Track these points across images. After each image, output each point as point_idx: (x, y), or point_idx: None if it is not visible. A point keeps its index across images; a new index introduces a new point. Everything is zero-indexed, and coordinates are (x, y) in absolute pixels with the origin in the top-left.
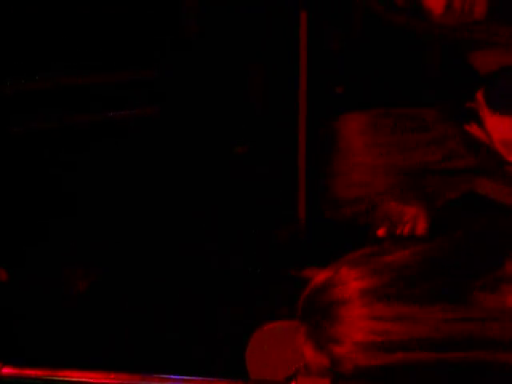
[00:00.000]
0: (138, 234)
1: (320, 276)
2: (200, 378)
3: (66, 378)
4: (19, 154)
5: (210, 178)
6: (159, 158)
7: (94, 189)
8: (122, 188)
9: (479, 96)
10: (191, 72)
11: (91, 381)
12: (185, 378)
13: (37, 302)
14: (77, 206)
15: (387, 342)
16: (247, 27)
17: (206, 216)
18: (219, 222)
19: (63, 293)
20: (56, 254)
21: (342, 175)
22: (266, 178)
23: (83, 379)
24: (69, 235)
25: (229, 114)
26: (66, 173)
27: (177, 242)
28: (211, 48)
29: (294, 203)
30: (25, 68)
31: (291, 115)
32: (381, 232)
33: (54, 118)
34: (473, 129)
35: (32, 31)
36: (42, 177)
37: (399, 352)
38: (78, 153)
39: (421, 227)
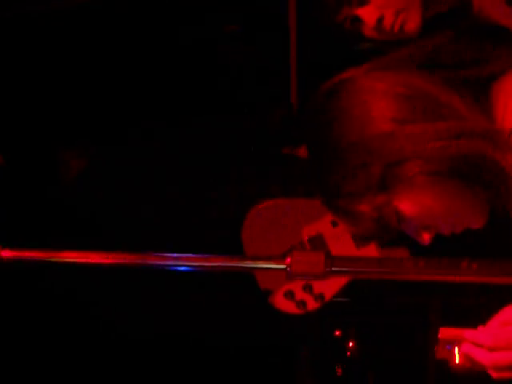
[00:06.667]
0: (132, 114)
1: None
2: (196, 255)
3: (65, 259)
4: (7, 38)
5: (201, 59)
6: (148, 38)
7: (87, 69)
8: (113, 63)
9: None
10: None
11: (89, 261)
12: (181, 255)
13: (33, 185)
14: (69, 89)
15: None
16: None
17: (197, 95)
18: (210, 99)
19: (58, 174)
20: (51, 135)
21: None
22: (257, 57)
23: (81, 260)
24: (63, 117)
25: None
26: (54, 54)
27: (172, 121)
28: None
29: (286, 83)
30: None
31: None
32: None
33: (40, 2)
34: None
35: None
36: (31, 59)
37: None
38: (67, 36)
39: (412, 20)
